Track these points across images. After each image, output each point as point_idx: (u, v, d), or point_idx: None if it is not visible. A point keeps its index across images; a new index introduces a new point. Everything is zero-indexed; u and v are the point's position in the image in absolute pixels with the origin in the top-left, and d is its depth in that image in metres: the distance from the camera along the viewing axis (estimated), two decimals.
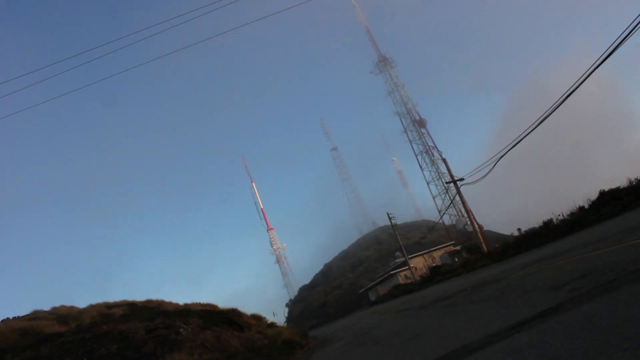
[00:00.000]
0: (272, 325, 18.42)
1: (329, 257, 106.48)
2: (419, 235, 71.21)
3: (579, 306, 3.79)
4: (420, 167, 72.96)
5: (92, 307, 15.93)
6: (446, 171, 30.78)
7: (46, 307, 15.63)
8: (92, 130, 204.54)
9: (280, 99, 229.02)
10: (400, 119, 76.23)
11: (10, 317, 14.27)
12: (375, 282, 59.34)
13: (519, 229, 28.23)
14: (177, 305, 18.89)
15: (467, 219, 36.00)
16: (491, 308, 6.09)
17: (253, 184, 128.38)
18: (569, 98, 16.17)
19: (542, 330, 3.48)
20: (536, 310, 4.26)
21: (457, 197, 29.62)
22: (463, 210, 34.16)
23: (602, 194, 18.39)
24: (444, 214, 55.51)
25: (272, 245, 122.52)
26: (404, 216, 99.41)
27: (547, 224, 21.07)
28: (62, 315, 14.23)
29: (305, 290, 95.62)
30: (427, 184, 71.46)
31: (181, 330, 10.42)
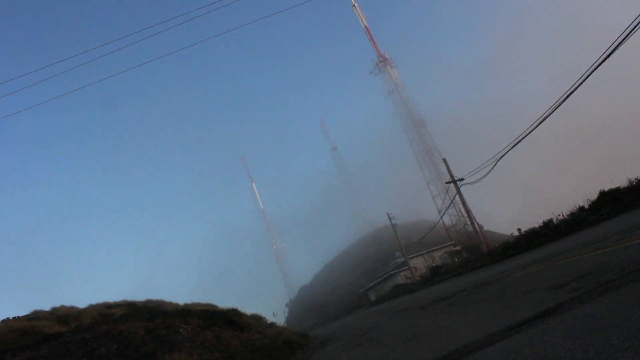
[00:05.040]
0: (272, 325, 18.45)
1: (329, 257, 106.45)
2: (419, 235, 71.16)
3: (579, 306, 3.78)
4: (420, 167, 73.06)
5: (92, 307, 15.96)
6: (446, 171, 30.78)
7: (46, 307, 15.65)
8: (91, 130, 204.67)
9: (280, 99, 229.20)
10: (400, 119, 76.34)
11: (10, 317, 14.26)
12: (375, 282, 59.30)
13: (519, 229, 28.16)
14: (177, 305, 18.93)
15: (467, 219, 36.02)
16: (491, 308, 6.09)
17: (253, 184, 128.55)
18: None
19: (542, 330, 3.48)
20: (536, 310, 4.26)
21: (457, 197, 29.59)
22: (463, 210, 34.18)
23: (602, 194, 18.37)
24: (444, 214, 55.42)
25: (272, 245, 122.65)
26: (403, 216, 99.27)
27: (547, 224, 21.06)
28: (62, 315, 14.24)
29: (305, 290, 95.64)
30: (427, 184, 71.53)
31: (181, 330, 10.41)
